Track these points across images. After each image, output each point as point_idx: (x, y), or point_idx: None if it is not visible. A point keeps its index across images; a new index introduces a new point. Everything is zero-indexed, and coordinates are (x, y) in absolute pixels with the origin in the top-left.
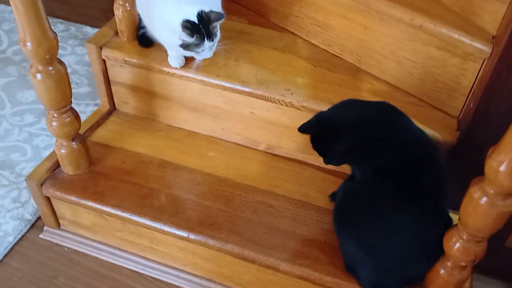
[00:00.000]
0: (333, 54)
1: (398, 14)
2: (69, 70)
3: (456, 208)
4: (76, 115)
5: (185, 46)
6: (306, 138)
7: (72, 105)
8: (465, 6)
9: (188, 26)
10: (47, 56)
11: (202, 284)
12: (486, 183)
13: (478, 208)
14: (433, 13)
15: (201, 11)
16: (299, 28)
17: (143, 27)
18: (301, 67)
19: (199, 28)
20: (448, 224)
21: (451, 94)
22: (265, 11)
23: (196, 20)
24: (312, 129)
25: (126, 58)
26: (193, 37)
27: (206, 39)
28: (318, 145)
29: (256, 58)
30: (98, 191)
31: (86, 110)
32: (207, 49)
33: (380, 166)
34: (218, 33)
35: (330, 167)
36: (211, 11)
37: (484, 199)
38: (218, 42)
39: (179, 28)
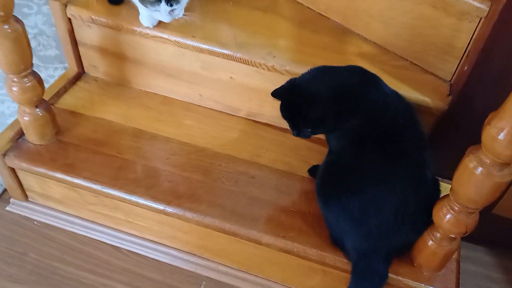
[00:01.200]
0: (318, 13)
1: None
2: (35, 31)
3: (442, 176)
4: (39, 80)
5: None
6: None
7: (40, 69)
8: None
9: None
10: (1, 13)
11: (182, 258)
12: (483, 152)
13: (473, 178)
14: None
15: None
16: None
17: None
18: (283, 28)
19: None
20: (436, 188)
21: (443, 56)
22: None
23: None
24: (284, 96)
25: (93, 17)
26: None
27: (164, 2)
28: (290, 113)
29: (236, 18)
30: (68, 163)
31: (54, 74)
32: (164, 13)
33: (357, 132)
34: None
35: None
36: None
37: (480, 169)
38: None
39: None
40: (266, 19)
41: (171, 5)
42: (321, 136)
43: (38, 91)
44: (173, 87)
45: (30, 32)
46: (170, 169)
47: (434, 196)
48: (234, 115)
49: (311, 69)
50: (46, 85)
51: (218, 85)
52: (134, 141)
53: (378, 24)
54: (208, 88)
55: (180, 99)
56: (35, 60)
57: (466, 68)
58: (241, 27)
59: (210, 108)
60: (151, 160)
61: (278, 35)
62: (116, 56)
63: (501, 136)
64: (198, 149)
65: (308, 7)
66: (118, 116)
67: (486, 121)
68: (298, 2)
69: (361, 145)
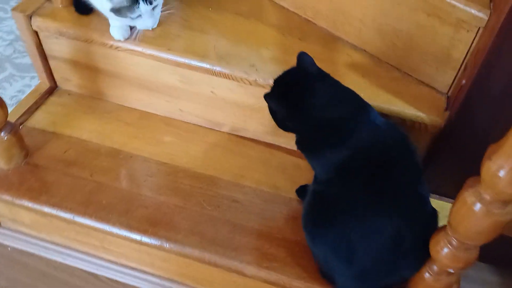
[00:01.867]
0: (305, 18)
1: None
2: (11, 37)
3: (439, 193)
4: (1, 103)
5: (115, 10)
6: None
7: (15, 78)
8: None
9: None
10: None
11: (162, 285)
12: (482, 187)
13: (471, 215)
14: None
15: None
16: None
17: None
18: (267, 36)
19: None
20: (433, 216)
21: (440, 67)
22: None
23: None
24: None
25: (61, 29)
26: None
27: (142, 1)
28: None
29: (216, 26)
30: (35, 187)
31: (31, 83)
32: (146, 15)
33: (345, 164)
34: None
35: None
36: None
37: (479, 205)
38: (167, 6)
39: None
40: (249, 26)
41: (150, 3)
42: None
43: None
44: (152, 101)
45: (6, 38)
46: (146, 193)
47: (432, 230)
48: (217, 130)
49: (317, 72)
50: (22, 96)
51: (199, 100)
52: (109, 161)
53: (370, 31)
54: (188, 102)
55: (159, 114)
56: (10, 69)
57: (464, 81)
58: (222, 35)
59: (191, 123)
60: (126, 182)
61: (261, 44)
62: (89, 68)
63: (503, 174)
64: (178, 170)
65: (294, 12)
66: (92, 133)
67: (486, 154)
68: (284, 7)
69: (349, 177)
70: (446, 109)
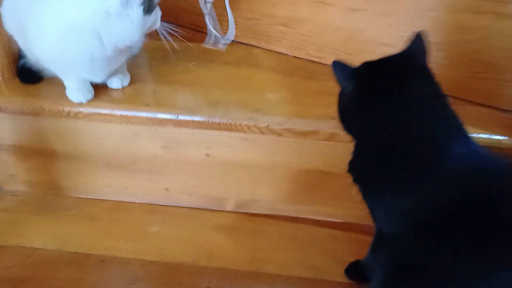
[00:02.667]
0: (307, 60)
1: None
2: None
3: None
4: None
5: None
6: (293, 178)
7: None
8: None
9: None
10: None
11: None
12: None
13: None
14: None
15: None
16: (254, 35)
17: (23, 57)
18: (268, 80)
19: None
20: None
21: (501, 77)
22: (202, 23)
23: None
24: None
25: (2, 104)
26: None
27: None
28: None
29: (202, 78)
30: None
31: None
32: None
33: (430, 208)
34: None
35: (337, 216)
36: None
37: None
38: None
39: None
40: (242, 73)
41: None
42: (350, 218)
43: None
44: (127, 184)
45: None
46: None
47: None
48: (218, 210)
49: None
50: None
51: (190, 170)
52: (73, 272)
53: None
54: (176, 176)
55: (138, 201)
56: None
57: None
58: (212, 85)
59: (183, 207)
60: None
61: (263, 88)
62: (40, 154)
63: None
64: (173, 267)
65: (294, 56)
66: (48, 238)
67: None
68: (280, 53)
69: (437, 232)
70: None
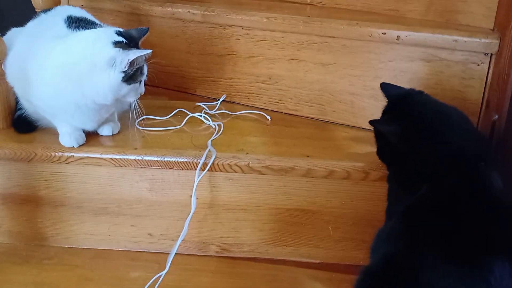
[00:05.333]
0: (285, 113)
1: (363, 31)
2: None
3: None
4: None
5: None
6: (276, 218)
7: None
8: (444, 5)
9: (122, 43)
10: None
11: None
12: None
13: None
14: (405, 23)
15: (119, 30)
16: (236, 93)
17: (20, 108)
18: (249, 127)
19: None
20: None
21: None
22: (188, 84)
23: (123, 39)
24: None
25: None
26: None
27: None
28: None
29: (188, 127)
30: None
31: None
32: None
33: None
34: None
35: (318, 257)
36: (128, 29)
37: None
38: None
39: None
40: (225, 123)
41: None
42: (330, 259)
43: None
44: (111, 231)
45: None
46: None
47: None
48: (201, 255)
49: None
50: None
51: (174, 213)
52: None
53: (366, 100)
54: (160, 220)
55: (121, 248)
56: None
57: (496, 117)
58: (196, 131)
59: (165, 252)
60: None
61: (245, 134)
62: (27, 201)
63: None
64: None
65: (272, 110)
66: (26, 286)
67: None
68: (256, 107)
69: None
70: None
